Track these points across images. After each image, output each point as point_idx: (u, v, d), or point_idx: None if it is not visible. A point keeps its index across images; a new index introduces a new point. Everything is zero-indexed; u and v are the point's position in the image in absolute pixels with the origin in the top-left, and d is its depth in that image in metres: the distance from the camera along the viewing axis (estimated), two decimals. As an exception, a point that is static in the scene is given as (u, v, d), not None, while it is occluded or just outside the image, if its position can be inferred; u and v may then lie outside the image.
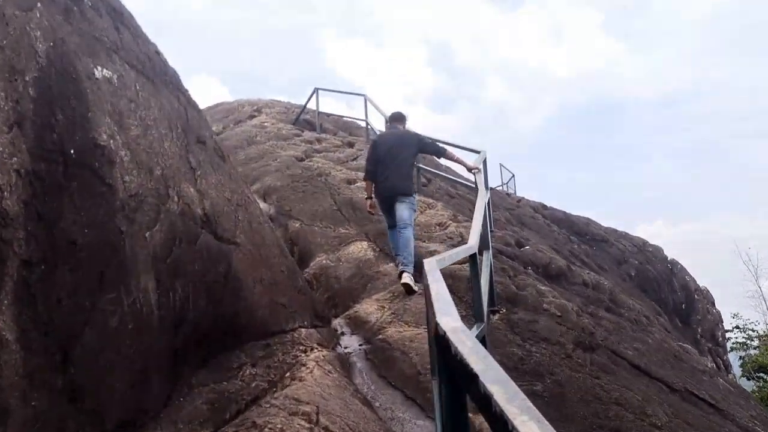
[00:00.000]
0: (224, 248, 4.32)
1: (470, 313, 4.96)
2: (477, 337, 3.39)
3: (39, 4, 3.49)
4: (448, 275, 5.52)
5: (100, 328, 3.26)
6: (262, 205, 7.91)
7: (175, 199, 4.07)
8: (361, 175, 9.03)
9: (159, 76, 4.70)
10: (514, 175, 24.98)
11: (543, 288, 5.40)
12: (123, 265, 3.48)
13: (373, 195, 6.31)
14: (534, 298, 5.12)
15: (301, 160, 9.63)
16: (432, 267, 2.60)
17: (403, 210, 5.90)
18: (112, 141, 3.66)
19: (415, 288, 5.45)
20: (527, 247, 6.92)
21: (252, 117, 13.26)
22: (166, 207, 3.95)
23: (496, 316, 4.79)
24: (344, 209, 7.67)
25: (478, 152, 7.51)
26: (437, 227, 7.02)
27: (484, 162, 7.24)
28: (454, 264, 5.71)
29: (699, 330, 17.48)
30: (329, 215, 7.57)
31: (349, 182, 8.63)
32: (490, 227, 6.61)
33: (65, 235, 3.18)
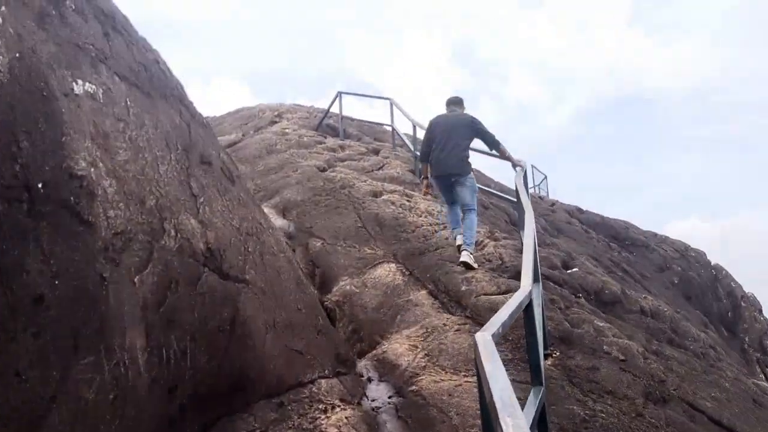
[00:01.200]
0: (231, 288, 3.70)
1: (516, 356, 4.28)
2: (536, 408, 2.71)
3: (3, 8, 2.90)
4: (489, 309, 4.85)
5: (72, 403, 2.66)
6: (281, 221, 7.32)
7: (172, 233, 3.47)
8: (389, 186, 8.40)
9: (157, 89, 4.10)
10: (546, 177, 24.05)
11: (601, 324, 4.69)
12: (104, 320, 2.89)
13: (429, 175, 6.45)
14: (592, 338, 4.42)
15: (324, 170, 9.02)
16: (486, 345, 1.94)
17: (465, 193, 6.08)
18: (93, 169, 3.06)
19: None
20: (575, 269, 6.20)
21: (273, 123, 12.71)
22: (160, 244, 3.35)
23: (549, 361, 4.11)
24: (370, 226, 7.03)
25: (517, 166, 6.80)
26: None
27: (525, 175, 6.53)
28: (498, 296, 5.04)
29: (746, 339, 16.46)
30: (353, 233, 6.94)
31: (375, 195, 7.99)
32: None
33: (29, 291, 2.60)
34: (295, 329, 4.05)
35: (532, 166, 23.07)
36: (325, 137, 11.58)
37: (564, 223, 13.21)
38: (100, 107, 3.32)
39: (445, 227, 6.95)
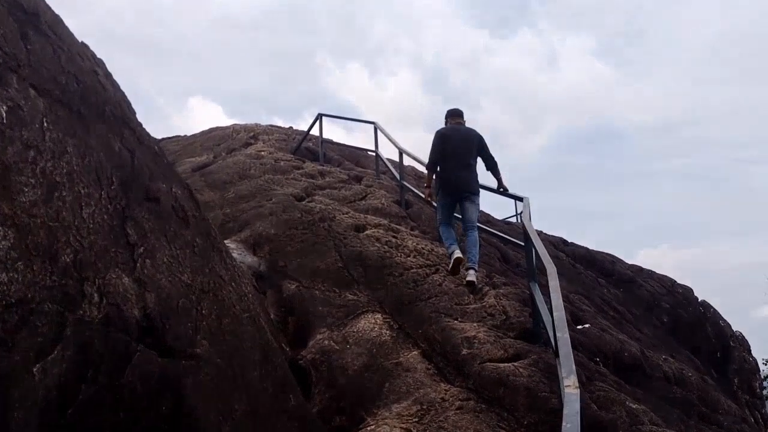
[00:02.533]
0: (174, 369, 2.83)
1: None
2: None
3: None
4: (497, 381, 4.03)
5: None
6: (250, 259, 6.44)
7: (95, 299, 2.60)
8: (373, 219, 7.58)
9: (92, 106, 3.25)
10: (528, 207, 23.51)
11: (634, 407, 3.90)
12: (-24, 438, 2.02)
13: (440, 189, 6.19)
14: (626, 426, 3.63)
15: (301, 199, 8.17)
16: None
17: (473, 211, 6.06)
18: (-24, 216, 2.20)
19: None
20: (587, 325, 5.42)
21: (248, 145, 11.85)
22: (76, 315, 2.48)
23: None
24: (352, 267, 6.19)
25: (520, 199, 6.05)
26: (470, 296, 5.52)
27: (525, 210, 5.78)
28: (506, 362, 4.22)
29: (736, 381, 15.85)
30: (333, 274, 6.08)
31: (358, 229, 7.16)
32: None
33: None
34: (260, 417, 3.18)
35: (503, 189, 22.46)
36: (304, 162, 10.74)
37: (551, 256, 12.49)
38: (1, 131, 2.46)
39: (438, 270, 6.15)
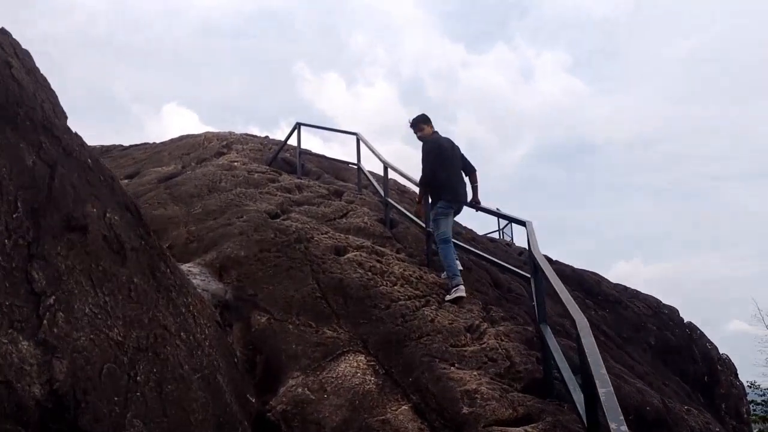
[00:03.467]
0: (89, 468, 2.07)
1: None
2: None
3: None
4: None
5: None
6: (215, 286, 5.67)
7: (-29, 378, 1.84)
8: (355, 240, 6.85)
9: (-4, 107, 2.49)
10: (510, 222, 22.94)
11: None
12: None
13: (447, 201, 5.96)
14: None
15: (276, 216, 7.42)
16: None
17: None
18: None
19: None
20: (601, 371, 4.75)
21: (220, 154, 11.06)
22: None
23: None
24: (331, 296, 5.46)
25: (522, 223, 5.39)
26: (467, 335, 4.83)
27: (530, 236, 5.11)
28: (516, 426, 3.51)
29: (723, 406, 15.39)
30: (310, 305, 5.34)
31: (338, 252, 6.44)
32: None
33: None
34: None
35: (497, 209, 21.91)
36: (280, 174, 9.99)
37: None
38: None
39: (428, 302, 5.45)
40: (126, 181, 9.80)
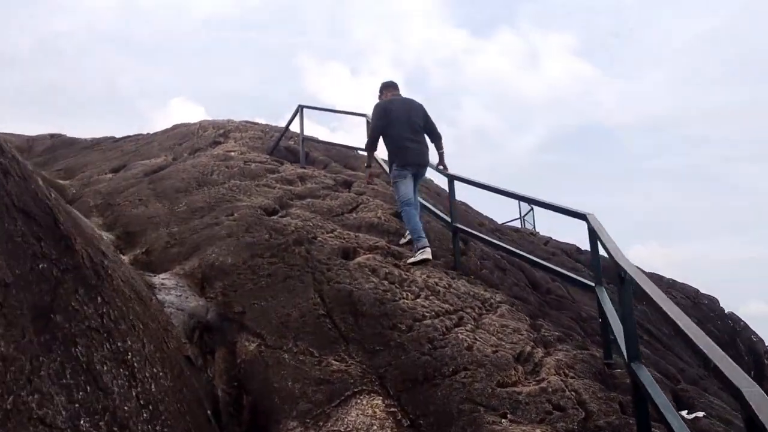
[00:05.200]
0: None
1: None
2: None
3: None
4: None
5: None
6: (194, 303, 4.55)
7: None
8: (366, 239, 5.69)
9: None
10: (533, 208, 21.59)
11: None
12: None
13: (402, 166, 5.66)
14: None
15: (273, 212, 6.30)
16: None
17: (418, 188, 5.90)
18: None
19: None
20: (700, 414, 3.57)
21: (216, 144, 9.95)
22: None
23: None
24: (338, 314, 4.32)
25: (582, 216, 4.20)
26: (518, 367, 3.67)
27: (596, 233, 3.94)
28: None
29: (771, 404, 14.04)
30: (311, 326, 4.22)
31: (347, 255, 5.31)
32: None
33: None
34: None
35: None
36: (282, 163, 8.86)
37: (568, 268, 10.66)
38: None
39: (462, 319, 4.29)
40: (110, 176, 8.72)
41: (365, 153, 7.04)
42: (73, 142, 12.84)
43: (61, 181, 8.61)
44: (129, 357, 2.42)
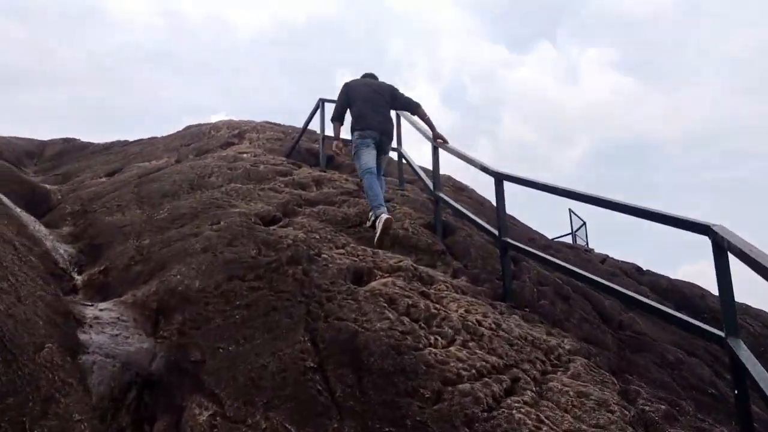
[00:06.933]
0: None
1: None
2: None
3: None
4: None
5: None
6: (137, 345, 3.26)
7: None
8: (386, 259, 4.33)
9: None
10: (585, 223, 19.72)
11: None
12: None
13: (361, 136, 5.51)
14: None
15: (272, 221, 5.00)
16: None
17: (385, 163, 5.80)
18: None
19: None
20: None
21: (228, 144, 8.78)
22: None
23: None
24: (333, 369, 2.95)
25: (706, 231, 2.72)
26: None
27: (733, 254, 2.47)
28: None
29: None
30: (293, 386, 2.85)
31: (358, 278, 3.96)
32: None
33: None
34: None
35: (570, 210, 18.83)
36: (299, 166, 7.60)
37: (632, 292, 8.95)
38: None
39: (517, 383, 2.86)
40: (103, 179, 7.61)
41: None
42: (84, 146, 11.93)
43: (49, 186, 7.54)
44: None
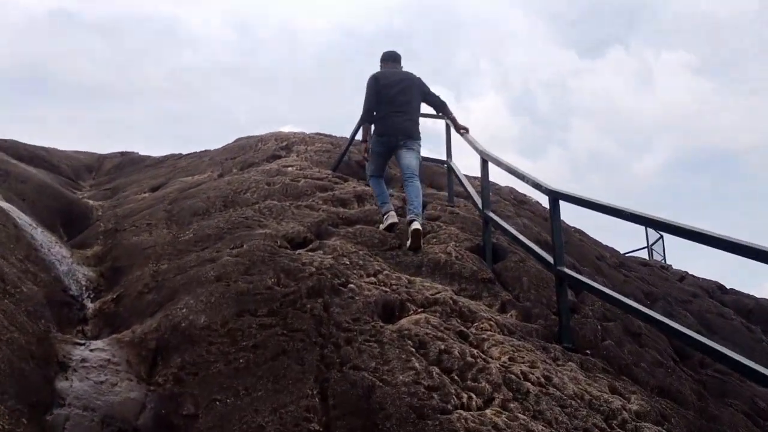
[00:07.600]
0: None
1: None
2: None
3: None
4: None
5: None
6: (123, 395, 2.83)
7: None
8: (424, 290, 3.78)
9: None
10: (662, 236, 18.21)
11: None
12: None
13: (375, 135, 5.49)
14: None
15: (301, 243, 4.55)
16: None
17: (412, 158, 5.42)
18: None
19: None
20: None
21: (275, 157, 8.44)
22: None
23: None
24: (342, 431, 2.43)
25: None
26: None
27: None
28: None
29: None
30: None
31: (390, 313, 3.44)
32: None
33: None
34: None
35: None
36: (345, 180, 7.17)
37: (714, 315, 7.99)
38: None
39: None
40: (146, 194, 7.42)
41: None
42: (141, 159, 11.95)
43: (92, 202, 7.42)
44: None
